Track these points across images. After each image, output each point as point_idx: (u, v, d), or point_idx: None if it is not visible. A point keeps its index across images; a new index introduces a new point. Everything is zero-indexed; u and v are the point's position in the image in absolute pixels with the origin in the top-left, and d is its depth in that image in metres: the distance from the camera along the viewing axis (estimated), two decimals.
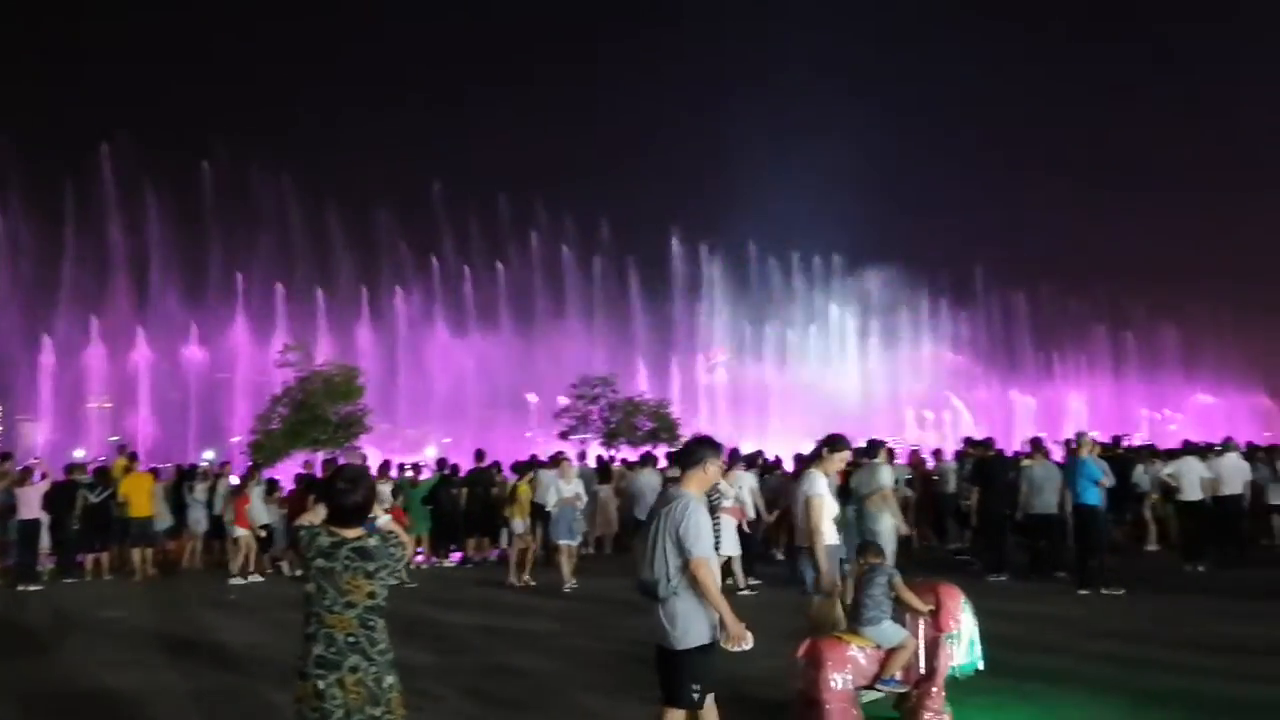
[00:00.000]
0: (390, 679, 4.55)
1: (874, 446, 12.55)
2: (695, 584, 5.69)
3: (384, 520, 4.66)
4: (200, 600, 15.43)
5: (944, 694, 7.34)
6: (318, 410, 27.65)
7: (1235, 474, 15.72)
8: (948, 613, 7.43)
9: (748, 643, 5.68)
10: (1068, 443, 20.49)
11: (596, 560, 18.79)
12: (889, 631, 7.29)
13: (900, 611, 7.46)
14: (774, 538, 18.39)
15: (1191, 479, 15.60)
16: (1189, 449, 16.66)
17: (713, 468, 6.13)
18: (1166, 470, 16.14)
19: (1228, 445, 16.79)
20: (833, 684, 6.93)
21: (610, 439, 31.25)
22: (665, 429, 31.96)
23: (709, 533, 5.85)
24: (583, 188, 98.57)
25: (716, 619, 5.74)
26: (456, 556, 19.72)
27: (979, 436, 19.65)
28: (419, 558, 19.05)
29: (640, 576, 5.93)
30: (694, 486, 6.03)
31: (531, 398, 48.96)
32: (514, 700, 8.68)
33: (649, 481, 17.86)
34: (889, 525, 11.12)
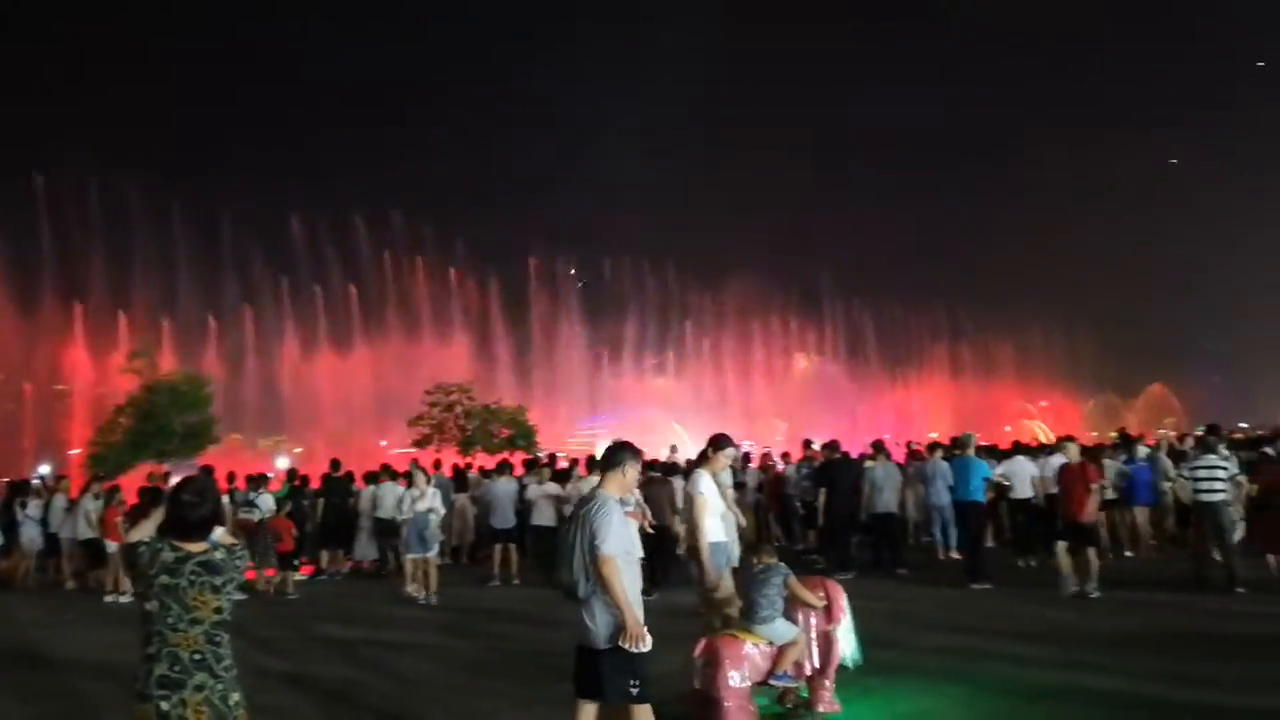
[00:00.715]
0: (236, 696, 4.43)
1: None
2: (599, 580, 5.82)
3: (220, 533, 4.57)
4: (33, 620, 14.75)
5: (834, 685, 7.72)
6: (163, 420, 26.86)
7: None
8: (837, 607, 7.81)
9: (646, 644, 5.82)
10: (910, 445, 21.40)
11: (454, 570, 18.66)
12: (782, 629, 7.53)
13: (791, 609, 7.70)
14: None
15: (1023, 478, 16.38)
16: (1019, 449, 17.52)
17: (631, 471, 6.40)
18: (999, 470, 16.91)
19: (1060, 445, 17.73)
20: (731, 681, 7.11)
21: (466, 447, 30.96)
22: (523, 436, 31.91)
23: (620, 532, 5.95)
24: (441, 202, 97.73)
25: (641, 616, 5.86)
26: (307, 570, 19.08)
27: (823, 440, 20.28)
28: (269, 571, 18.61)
29: (560, 577, 6.05)
30: (613, 489, 6.24)
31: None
32: (382, 708, 8.67)
33: (506, 489, 17.89)
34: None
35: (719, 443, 9.63)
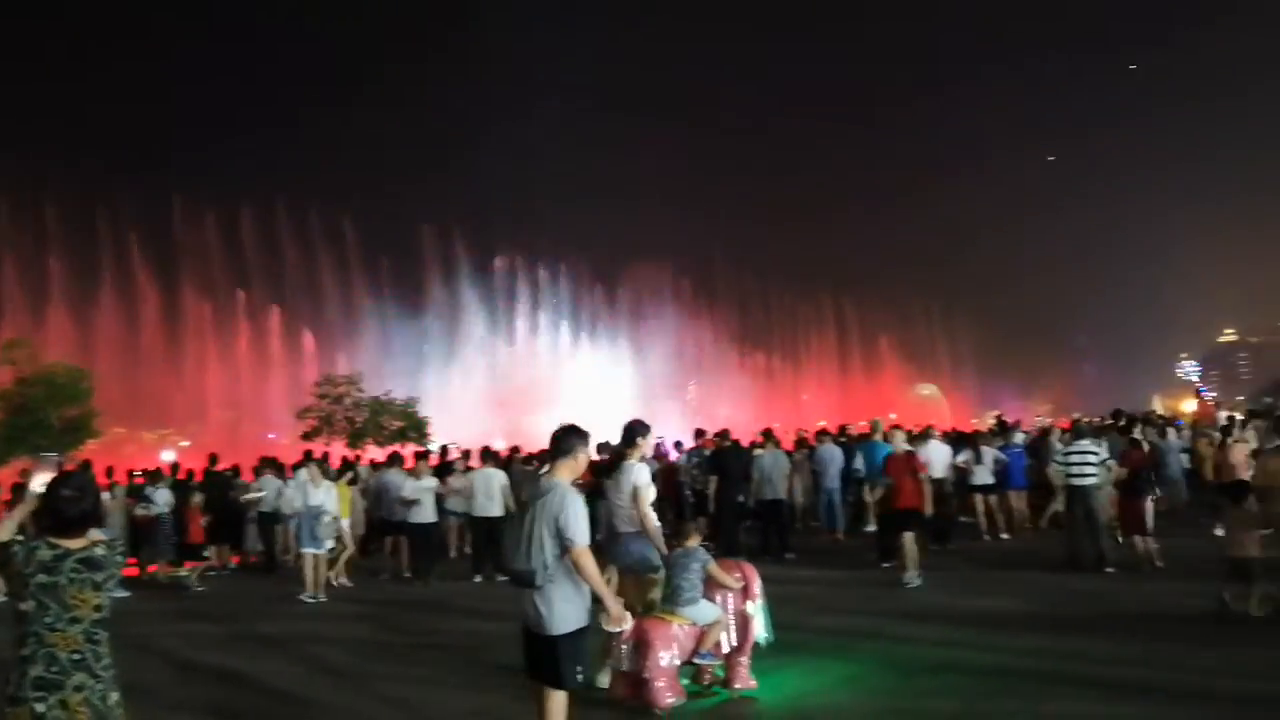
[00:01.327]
0: (115, 695, 4.34)
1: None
2: (578, 570, 5.85)
3: (96, 530, 4.46)
4: None
5: (750, 662, 8.05)
6: (39, 414, 25.92)
7: (938, 458, 17.15)
8: (751, 588, 8.13)
9: (627, 623, 5.99)
10: (800, 433, 21.83)
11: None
12: (706, 610, 7.84)
13: (708, 590, 7.95)
14: None
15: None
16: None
17: (583, 456, 6.30)
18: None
19: (928, 432, 18.35)
20: (661, 661, 7.42)
21: (356, 439, 30.50)
22: (414, 428, 31.59)
23: (586, 520, 5.98)
24: (334, 192, 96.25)
25: (589, 604, 5.98)
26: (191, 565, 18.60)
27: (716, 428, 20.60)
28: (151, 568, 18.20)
29: (514, 566, 6.03)
30: (566, 475, 6.17)
31: None
32: (312, 698, 8.66)
33: (396, 482, 17.70)
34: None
35: (644, 430, 9.51)
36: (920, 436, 17.84)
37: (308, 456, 18.13)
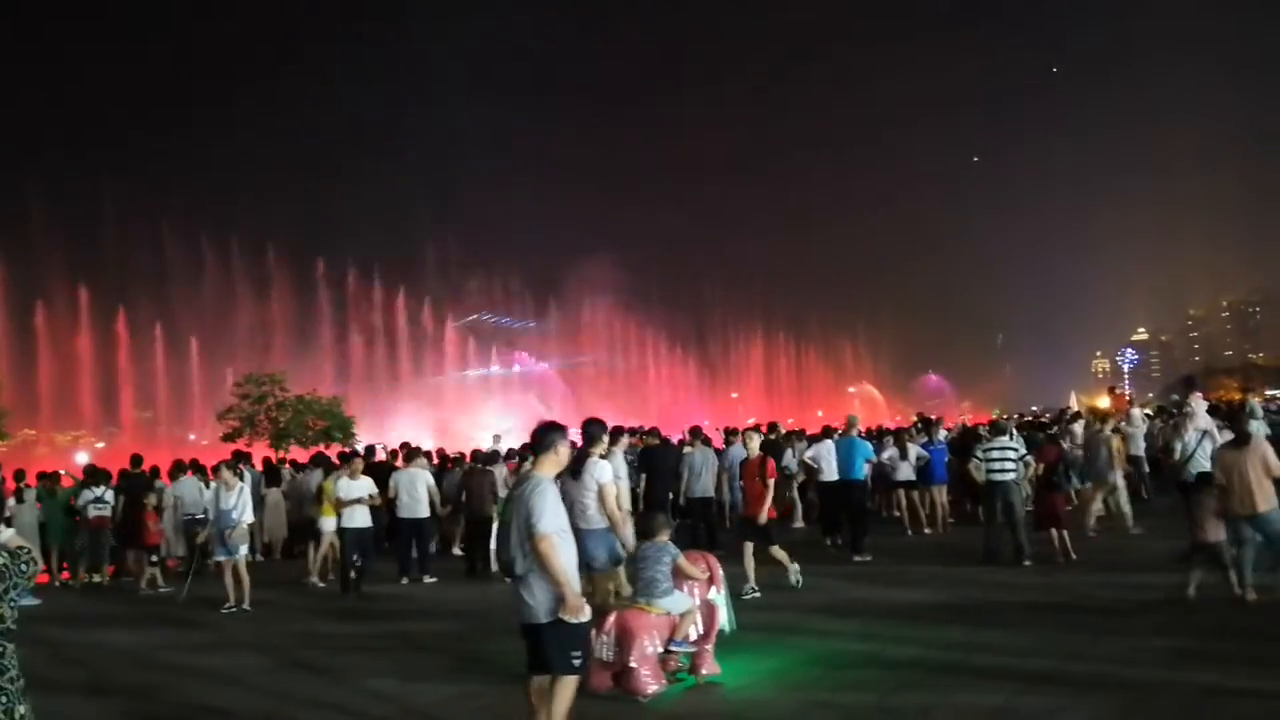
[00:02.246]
0: (23, 709, 4.22)
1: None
2: (537, 557, 6.01)
3: (8, 535, 4.28)
4: None
5: (714, 649, 8.44)
6: None
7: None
8: (716, 578, 8.61)
9: (586, 615, 6.09)
10: (727, 430, 21.95)
11: (266, 568, 18.11)
12: (680, 600, 8.23)
13: (675, 581, 8.30)
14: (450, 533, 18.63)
15: (830, 460, 16.98)
16: (827, 433, 18.19)
17: (563, 450, 6.55)
18: (809, 453, 17.55)
19: (851, 420, 18.58)
20: (645, 649, 7.77)
21: (279, 440, 29.84)
22: (340, 428, 31.09)
23: (555, 510, 6.18)
24: (254, 183, 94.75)
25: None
26: (110, 570, 18.09)
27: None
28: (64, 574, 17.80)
29: (501, 556, 6.42)
30: (547, 469, 6.44)
31: None
32: (292, 694, 8.49)
33: (319, 482, 17.43)
34: None
35: (602, 428, 9.81)
36: (843, 433, 18.04)
37: (236, 457, 17.79)
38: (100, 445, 46.79)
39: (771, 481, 12.48)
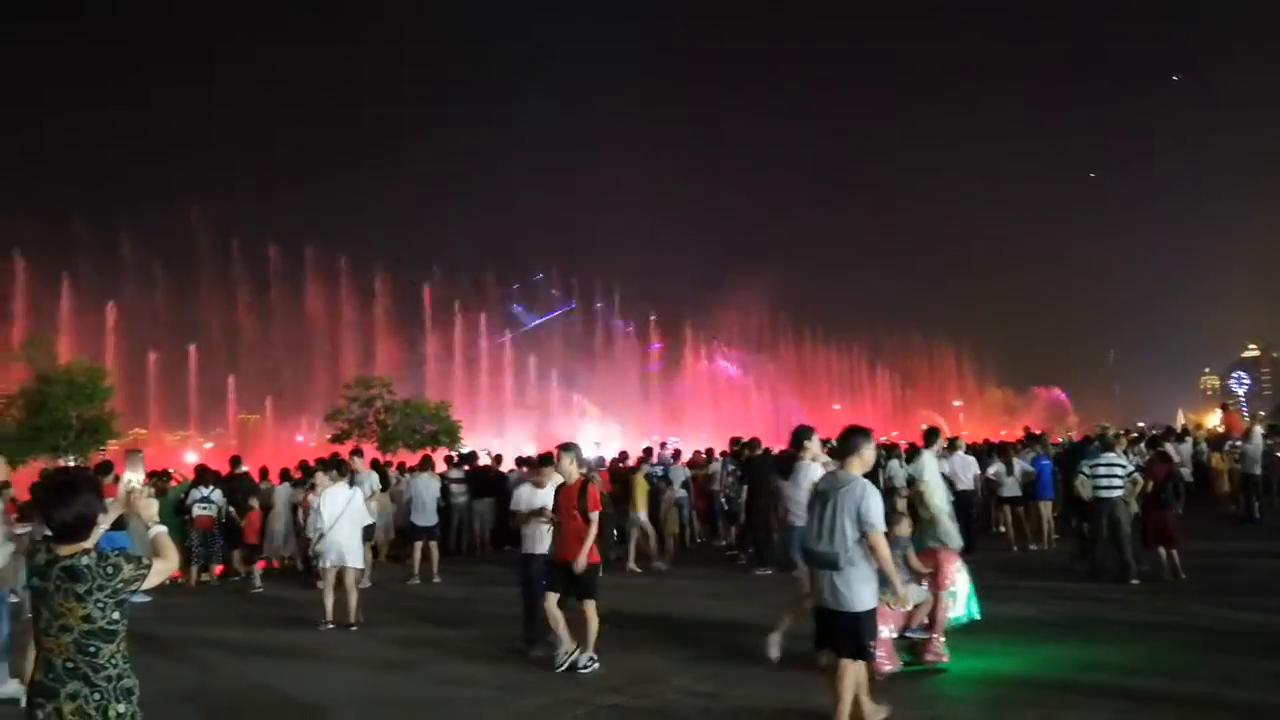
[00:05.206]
0: (121, 707, 4.14)
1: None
2: (874, 552, 6.72)
3: (156, 531, 4.34)
4: None
5: (944, 639, 9.01)
6: (58, 414, 25.36)
7: (966, 469, 17.24)
8: (944, 574, 9.17)
9: (910, 602, 6.91)
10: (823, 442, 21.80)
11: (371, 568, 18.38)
12: (915, 591, 8.91)
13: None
14: None
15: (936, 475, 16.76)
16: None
17: (868, 452, 7.09)
18: (910, 467, 17.38)
19: (954, 443, 18.38)
20: (881, 634, 8.02)
21: (387, 443, 30.39)
22: (446, 432, 31.56)
23: (882, 510, 6.82)
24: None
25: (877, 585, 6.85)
26: (219, 570, 18.45)
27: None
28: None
29: (816, 549, 6.89)
30: (857, 469, 7.00)
31: None
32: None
33: (428, 486, 17.79)
34: None
35: (809, 433, 10.45)
36: (948, 447, 17.87)
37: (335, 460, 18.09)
38: (208, 445, 48.08)
39: (595, 515, 9.45)
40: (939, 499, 10.31)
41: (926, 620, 9.01)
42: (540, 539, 10.29)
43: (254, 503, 17.66)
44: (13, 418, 25.83)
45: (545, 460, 10.72)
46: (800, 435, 10.36)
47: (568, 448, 9.98)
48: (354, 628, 12.19)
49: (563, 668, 9.19)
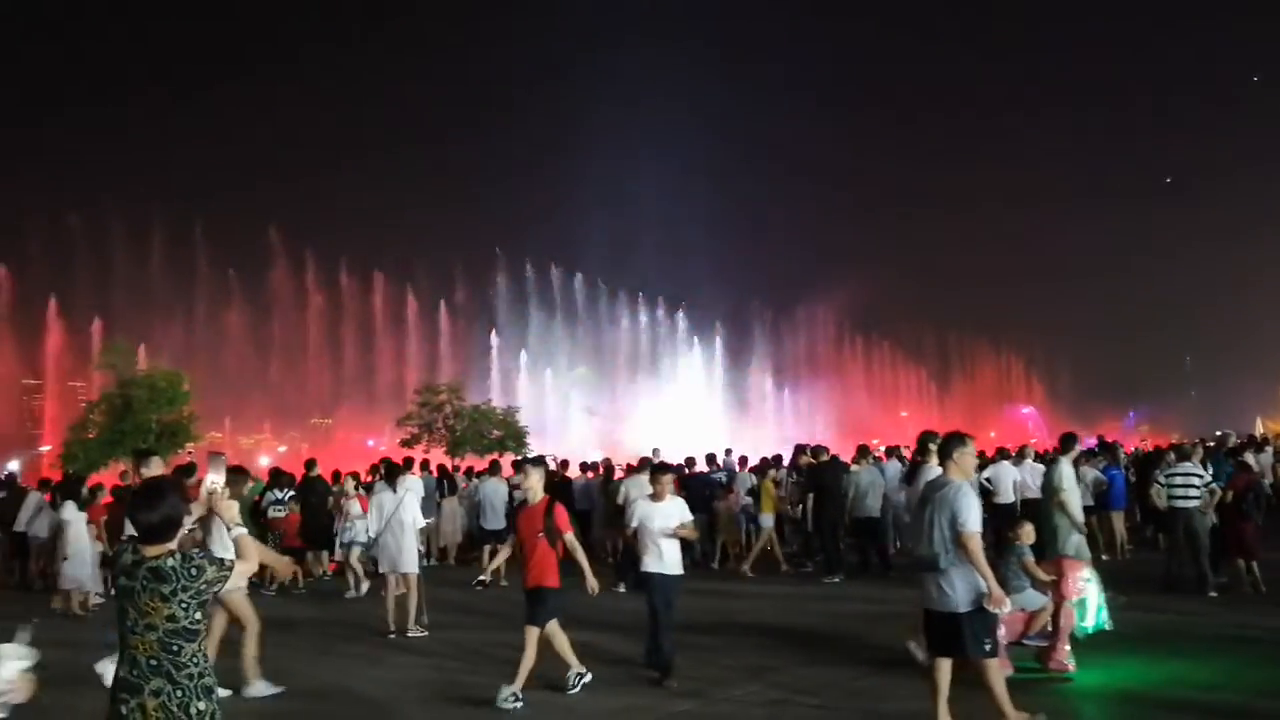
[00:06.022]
0: (202, 704, 4.23)
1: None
2: (965, 552, 6.79)
3: (238, 532, 4.49)
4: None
5: (1069, 648, 9.00)
6: (139, 418, 26.15)
7: (1036, 477, 16.97)
8: (1069, 582, 9.24)
9: (1007, 606, 6.92)
10: (892, 449, 21.63)
11: (441, 570, 18.67)
12: (1033, 597, 9.03)
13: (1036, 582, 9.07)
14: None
15: (1005, 482, 16.61)
16: (1002, 454, 17.79)
17: (967, 459, 7.24)
18: (985, 475, 17.18)
19: (1023, 450, 18.12)
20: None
21: (456, 448, 30.84)
22: (513, 437, 31.85)
23: (979, 511, 6.98)
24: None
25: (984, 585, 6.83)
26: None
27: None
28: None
29: (919, 552, 7.12)
30: (956, 474, 7.17)
31: None
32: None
33: (496, 490, 17.92)
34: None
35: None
36: (1018, 455, 17.64)
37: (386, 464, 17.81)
38: (282, 449, 48.97)
39: (569, 537, 9.00)
40: (1077, 509, 10.50)
41: (1050, 628, 8.99)
42: (661, 554, 9.32)
43: (329, 505, 17.86)
44: (95, 421, 26.53)
45: (662, 468, 10.20)
46: (925, 440, 10.44)
47: (537, 462, 9.67)
48: (419, 632, 12.14)
49: (575, 689, 8.89)
